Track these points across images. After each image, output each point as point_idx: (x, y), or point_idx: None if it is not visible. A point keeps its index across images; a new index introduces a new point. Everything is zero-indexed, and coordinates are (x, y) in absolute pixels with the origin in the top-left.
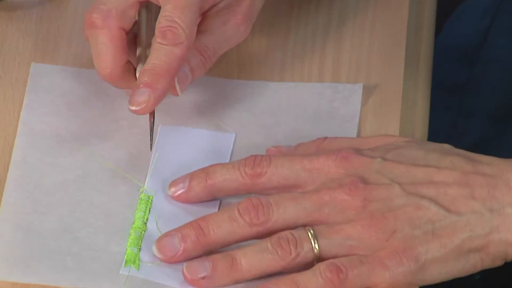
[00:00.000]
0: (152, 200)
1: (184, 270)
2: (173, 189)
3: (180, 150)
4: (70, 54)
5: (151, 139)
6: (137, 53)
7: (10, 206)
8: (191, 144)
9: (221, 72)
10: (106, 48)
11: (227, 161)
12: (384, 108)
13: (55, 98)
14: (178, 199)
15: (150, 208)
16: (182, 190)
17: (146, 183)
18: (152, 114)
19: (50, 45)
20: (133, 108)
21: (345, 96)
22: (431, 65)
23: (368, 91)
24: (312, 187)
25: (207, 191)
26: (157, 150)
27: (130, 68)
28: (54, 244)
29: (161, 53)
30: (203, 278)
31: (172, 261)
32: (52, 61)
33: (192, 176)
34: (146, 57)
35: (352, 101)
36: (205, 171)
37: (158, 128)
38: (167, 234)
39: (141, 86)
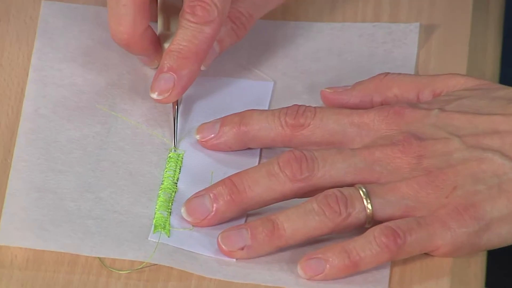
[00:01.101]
0: (182, 158)
1: (220, 241)
2: (201, 134)
3: (213, 101)
4: None
5: (175, 132)
6: (159, 24)
7: (23, 163)
8: (224, 95)
9: None
10: (127, 10)
11: None
12: (449, 52)
13: (70, 41)
14: (205, 145)
15: (180, 167)
16: (211, 135)
17: (175, 138)
18: (176, 102)
19: None
20: (155, 96)
21: (399, 38)
22: (503, 8)
23: (428, 32)
24: (360, 145)
25: (239, 139)
26: (187, 102)
27: (149, 34)
28: (73, 206)
29: (188, 33)
30: (242, 248)
31: (203, 224)
32: None
33: (224, 120)
34: (168, 27)
35: (407, 43)
36: (240, 116)
37: None
38: (197, 194)
39: (165, 70)
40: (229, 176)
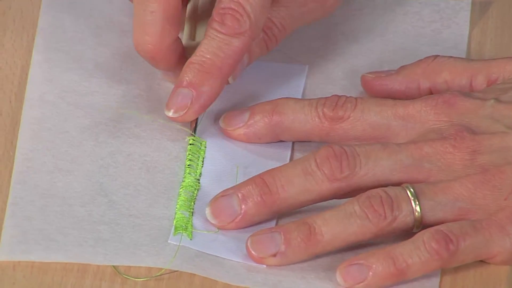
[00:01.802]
0: (205, 149)
1: (249, 246)
2: (227, 122)
3: (239, 87)
4: None
5: (193, 151)
6: (184, 33)
7: (26, 163)
8: (253, 79)
9: None
10: (155, 18)
11: (299, 98)
12: (507, 33)
13: (79, 20)
14: (231, 135)
15: (203, 159)
16: (239, 125)
17: (198, 126)
18: (195, 121)
19: None
20: (171, 114)
21: (449, 16)
22: None
23: (482, 10)
24: (406, 139)
25: (271, 129)
26: None
27: (177, 47)
28: (84, 212)
29: (214, 44)
30: (274, 255)
31: (230, 227)
32: None
33: (254, 109)
34: (194, 37)
35: (457, 22)
36: (273, 104)
37: None
38: (223, 193)
39: (184, 84)
40: (259, 174)
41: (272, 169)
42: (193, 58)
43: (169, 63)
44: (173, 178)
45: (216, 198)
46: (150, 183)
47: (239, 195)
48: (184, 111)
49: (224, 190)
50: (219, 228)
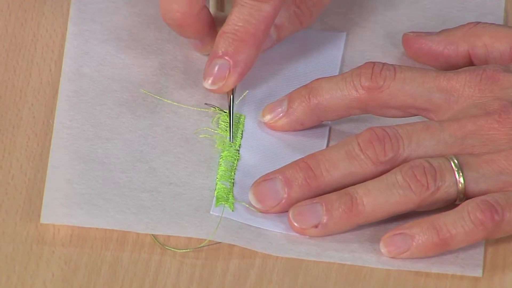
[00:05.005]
0: (244, 122)
1: (291, 218)
2: (268, 116)
3: (279, 54)
4: None
5: (231, 123)
6: (211, 4)
7: (66, 130)
8: (292, 47)
9: None
10: None
11: (338, 66)
12: None
13: None
14: (275, 127)
15: (242, 132)
16: (280, 115)
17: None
18: (232, 90)
19: None
20: (208, 85)
21: None
22: None
23: None
24: (449, 114)
25: (311, 113)
26: None
27: (205, 15)
28: (124, 178)
29: (245, 11)
30: (316, 226)
31: (274, 211)
32: None
33: (291, 96)
34: (223, 8)
35: None
36: (307, 88)
37: None
38: (265, 178)
39: (219, 54)
40: (302, 158)
41: (315, 152)
42: (226, 28)
43: (197, 31)
44: (212, 149)
45: (258, 183)
46: (190, 152)
47: (283, 179)
48: (223, 82)
49: (266, 174)
50: (263, 213)
